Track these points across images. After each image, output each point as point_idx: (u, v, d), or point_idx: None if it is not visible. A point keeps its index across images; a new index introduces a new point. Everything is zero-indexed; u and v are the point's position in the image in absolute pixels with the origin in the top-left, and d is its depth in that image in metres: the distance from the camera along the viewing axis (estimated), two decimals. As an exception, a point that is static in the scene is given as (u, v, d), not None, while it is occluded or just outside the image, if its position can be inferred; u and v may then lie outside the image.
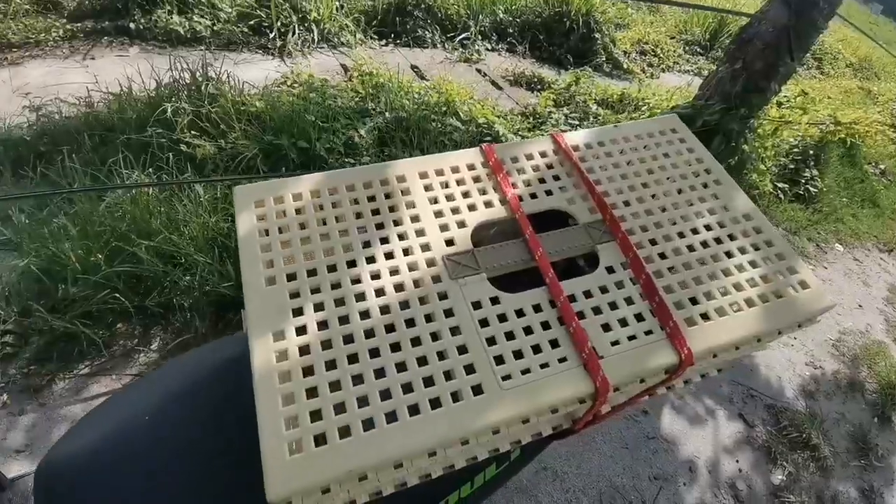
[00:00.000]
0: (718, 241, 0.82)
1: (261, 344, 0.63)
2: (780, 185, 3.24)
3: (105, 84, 2.39)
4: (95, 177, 1.98)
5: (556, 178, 0.85)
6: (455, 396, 0.63)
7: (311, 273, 0.70)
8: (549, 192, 0.83)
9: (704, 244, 0.81)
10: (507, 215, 0.79)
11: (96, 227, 1.80)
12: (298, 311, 0.67)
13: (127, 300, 1.73)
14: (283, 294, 0.67)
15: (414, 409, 0.61)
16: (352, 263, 0.71)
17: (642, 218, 0.81)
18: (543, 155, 0.88)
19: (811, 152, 3.51)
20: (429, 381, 0.63)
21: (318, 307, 0.67)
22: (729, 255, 0.80)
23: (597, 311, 0.71)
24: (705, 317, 0.73)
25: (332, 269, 0.70)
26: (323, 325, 0.66)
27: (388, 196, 0.79)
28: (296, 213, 0.75)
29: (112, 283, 1.74)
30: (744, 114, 2.55)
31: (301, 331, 0.65)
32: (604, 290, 0.74)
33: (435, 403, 0.62)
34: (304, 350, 0.64)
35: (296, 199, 0.77)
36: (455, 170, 0.84)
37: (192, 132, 2.15)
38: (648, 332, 0.71)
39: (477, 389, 0.64)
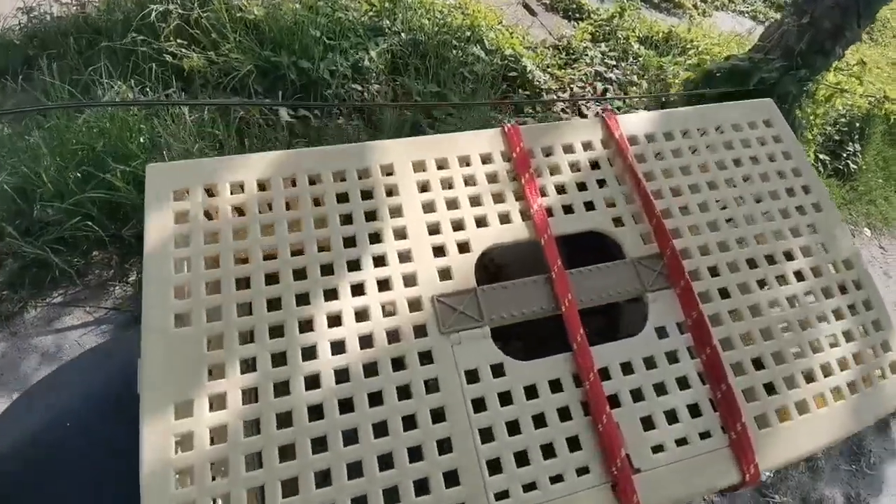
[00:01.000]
0: (810, 296, 0.57)
1: (155, 422, 0.42)
2: (822, 156, 2.86)
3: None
4: (75, 86, 1.68)
5: (602, 183, 0.59)
6: (426, 521, 0.43)
7: (244, 310, 0.47)
8: (589, 206, 0.57)
9: (792, 301, 0.56)
10: (528, 236, 0.54)
11: (71, 145, 1.54)
12: (217, 371, 0.45)
13: (101, 228, 1.52)
14: (197, 342, 0.44)
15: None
16: (303, 299, 0.48)
17: (714, 255, 0.56)
18: (588, 147, 0.60)
19: (857, 125, 3.11)
20: (392, 496, 0.42)
21: (248, 365, 0.45)
22: (821, 319, 0.56)
23: (637, 396, 0.49)
24: (782, 415, 0.51)
25: (274, 305, 0.47)
26: (250, 395, 0.44)
27: (366, 195, 0.53)
28: (232, 215, 0.50)
29: (86, 208, 1.53)
30: (804, 75, 2.17)
31: (218, 403, 0.43)
32: (650, 363, 0.51)
33: (396, 531, 0.42)
34: (218, 434, 0.43)
35: (234, 192, 0.52)
36: (464, 161, 0.57)
37: (179, 40, 1.81)
38: (705, 436, 0.49)
39: (458, 511, 0.43)
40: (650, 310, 0.53)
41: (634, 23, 2.91)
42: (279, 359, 0.46)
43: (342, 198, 0.53)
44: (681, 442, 0.48)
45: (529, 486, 0.44)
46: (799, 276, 0.58)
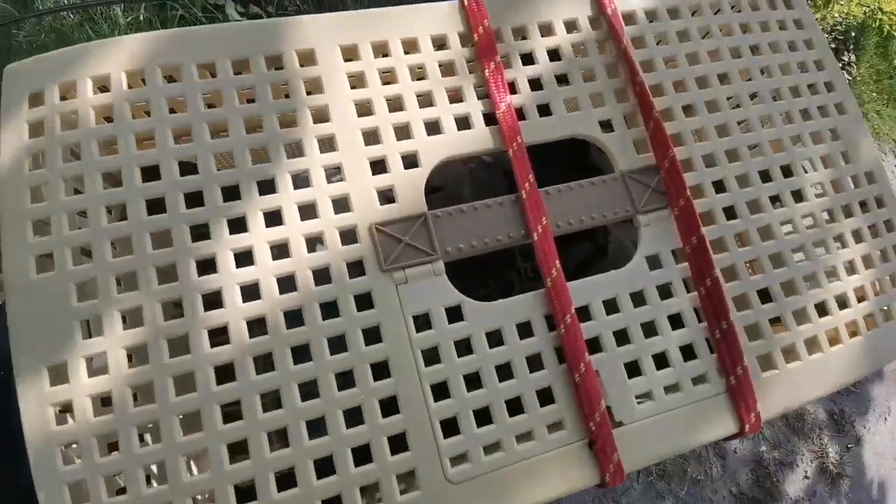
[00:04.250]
0: (829, 216, 0.55)
1: (29, 389, 0.37)
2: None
3: None
4: (14, 4, 1.47)
5: (589, 76, 0.53)
6: (369, 495, 0.41)
7: (122, 246, 0.42)
8: (571, 105, 0.52)
9: (811, 221, 0.54)
10: (493, 146, 0.49)
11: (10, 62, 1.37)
12: (94, 325, 0.40)
13: None
14: (65, 288, 0.39)
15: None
16: (200, 231, 0.42)
17: (722, 166, 0.53)
18: (572, 28, 0.54)
19: (853, 34, 3.13)
20: (326, 467, 0.40)
21: (132, 317, 0.40)
22: (839, 242, 0.55)
23: (622, 338, 0.47)
24: (789, 354, 0.51)
25: (161, 239, 0.42)
26: (138, 353, 0.40)
27: (278, 93, 0.47)
28: (97, 119, 0.43)
29: None
30: None
31: (98, 365, 0.39)
32: (638, 299, 0.48)
33: (332, 506, 0.41)
34: (104, 402, 0.40)
35: (100, 90, 0.44)
36: (410, 46, 0.50)
37: None
38: (700, 381, 0.48)
39: (407, 482, 0.42)
40: (641, 235, 0.50)
41: None
42: (172, 308, 0.41)
43: (247, 97, 0.46)
44: (671, 389, 0.47)
45: (492, 448, 0.43)
46: (818, 191, 0.55)
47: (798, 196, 0.53)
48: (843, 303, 0.52)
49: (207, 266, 0.41)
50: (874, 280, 0.53)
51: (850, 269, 0.54)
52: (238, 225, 0.43)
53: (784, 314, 0.50)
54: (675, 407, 0.46)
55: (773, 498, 1.23)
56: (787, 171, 0.54)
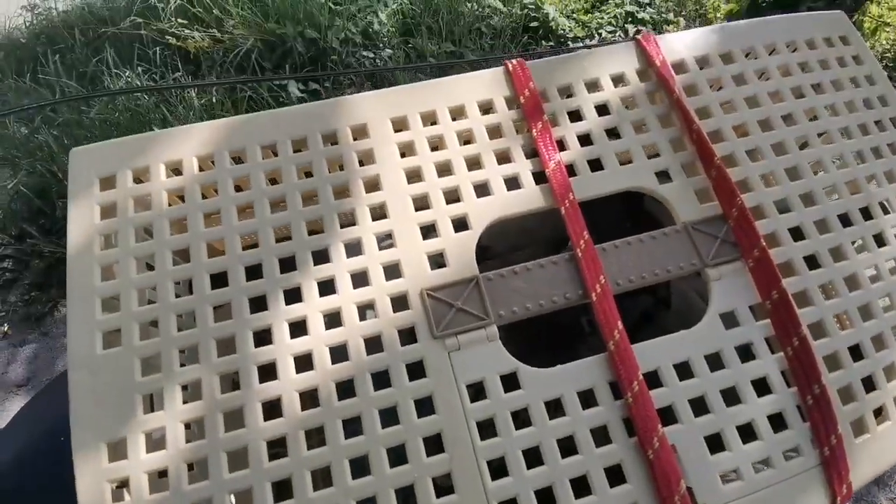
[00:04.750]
0: None
1: (86, 464, 0.32)
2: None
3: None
4: (83, 79, 1.62)
5: (640, 127, 0.43)
6: (422, 586, 0.32)
7: (186, 322, 0.37)
8: (624, 158, 0.42)
9: (893, 265, 0.41)
10: (545, 204, 0.40)
11: (84, 139, 1.49)
12: (155, 401, 0.35)
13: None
14: (129, 365, 0.34)
15: None
16: (259, 303, 0.37)
17: (798, 211, 0.41)
18: (619, 81, 0.45)
19: None
20: (377, 551, 0.32)
21: (191, 392, 0.34)
22: None
23: (700, 407, 0.36)
24: (879, 416, 0.37)
25: (222, 313, 0.37)
26: (195, 428, 0.34)
27: (333, 167, 0.41)
28: (169, 202, 0.39)
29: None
30: (850, 5, 1.86)
31: (156, 441, 0.34)
32: (715, 362, 0.37)
33: None
34: (159, 479, 0.34)
35: (171, 173, 0.40)
36: (457, 113, 0.43)
37: (181, 20, 1.69)
38: (791, 455, 0.35)
39: (464, 572, 0.32)
40: (713, 290, 0.38)
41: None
42: (229, 381, 0.35)
43: (305, 172, 0.41)
44: (759, 465, 0.35)
45: (557, 535, 0.33)
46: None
47: (880, 240, 0.40)
48: None
49: (263, 338, 0.35)
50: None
51: None
52: (293, 295, 0.36)
53: (875, 372, 0.37)
54: (765, 486, 0.34)
55: None
56: (865, 213, 0.41)
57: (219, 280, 0.36)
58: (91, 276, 0.36)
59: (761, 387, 0.36)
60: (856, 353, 0.38)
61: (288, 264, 0.37)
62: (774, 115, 0.43)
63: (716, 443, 0.35)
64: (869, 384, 0.38)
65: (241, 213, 0.39)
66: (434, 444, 0.34)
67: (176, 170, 0.39)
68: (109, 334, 0.35)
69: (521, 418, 0.35)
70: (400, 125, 0.42)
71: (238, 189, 0.40)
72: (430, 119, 0.42)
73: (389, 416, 0.34)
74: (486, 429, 0.34)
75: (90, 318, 0.35)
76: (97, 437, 0.32)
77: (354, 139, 0.41)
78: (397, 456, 0.33)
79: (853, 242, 0.40)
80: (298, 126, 0.41)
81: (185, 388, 0.34)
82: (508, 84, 0.43)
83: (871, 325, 0.38)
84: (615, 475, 0.34)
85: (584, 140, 0.42)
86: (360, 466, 0.33)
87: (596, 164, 0.41)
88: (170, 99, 1.56)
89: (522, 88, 0.42)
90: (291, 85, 1.67)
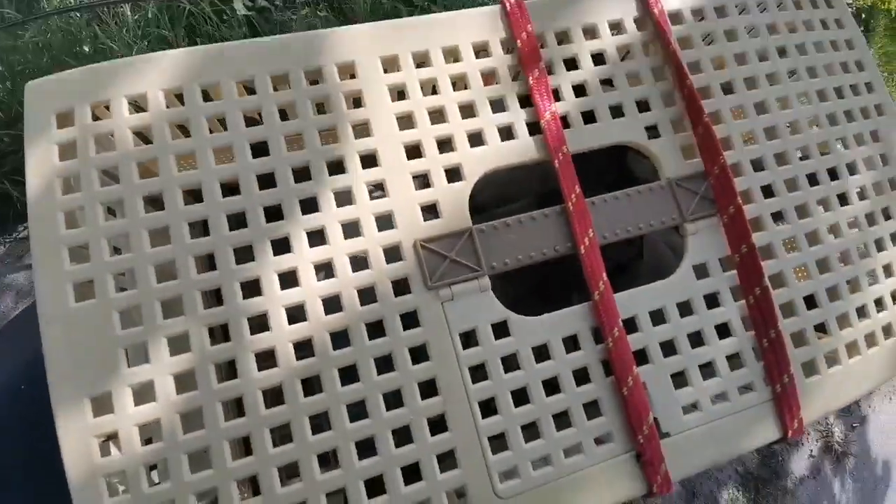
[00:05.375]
0: (871, 220, 0.45)
1: (69, 421, 0.31)
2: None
3: None
4: (19, 1, 1.37)
5: (634, 79, 0.43)
6: (419, 514, 0.34)
7: (166, 273, 0.34)
8: (617, 111, 0.42)
9: (853, 224, 0.44)
10: (538, 156, 0.40)
11: (17, 66, 1.29)
12: (139, 354, 0.33)
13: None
14: (108, 318, 0.32)
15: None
16: (245, 254, 0.35)
17: (771, 170, 0.43)
18: (617, 29, 0.43)
19: (863, 16, 2.78)
20: (377, 486, 0.34)
21: (178, 344, 0.33)
22: (880, 245, 0.44)
23: (669, 349, 0.39)
24: (831, 360, 0.42)
25: (205, 264, 0.35)
26: (186, 380, 0.33)
27: (319, 108, 0.38)
28: (136, 141, 0.35)
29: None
30: None
31: (144, 393, 0.33)
32: (686, 309, 0.40)
33: (383, 528, 0.34)
34: (151, 431, 0.33)
35: (137, 109, 0.36)
36: (451, 55, 0.40)
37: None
38: (746, 390, 0.40)
39: (458, 497, 0.35)
40: (688, 243, 0.40)
41: None
42: (218, 333, 0.34)
43: (287, 113, 0.37)
44: (717, 399, 0.39)
45: (541, 463, 0.36)
46: (861, 194, 0.45)
47: (843, 199, 0.43)
48: (880, 305, 0.42)
49: (251, 290, 0.34)
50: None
51: (888, 271, 0.44)
52: (282, 246, 0.35)
53: (828, 320, 0.41)
54: (722, 417, 0.38)
55: (779, 476, 1.11)
56: (832, 174, 0.43)
57: (197, 230, 0.34)
58: (55, 224, 0.32)
59: (723, 331, 0.39)
60: (812, 303, 0.42)
61: (273, 215, 0.35)
62: (760, 74, 0.43)
63: (680, 380, 0.38)
64: (822, 331, 0.42)
65: (217, 156, 0.35)
66: (429, 389, 0.35)
67: (139, 106, 0.35)
68: (82, 286, 0.32)
69: (510, 363, 0.36)
70: (390, 65, 0.39)
71: (211, 130, 0.36)
72: (422, 60, 0.39)
73: (384, 366, 0.35)
74: (478, 373, 0.36)
75: (58, 269, 0.32)
76: (79, 392, 0.31)
77: (342, 78, 0.38)
78: (394, 400, 0.34)
79: (818, 201, 0.43)
80: (279, 60, 0.37)
81: (170, 342, 0.33)
82: (505, 26, 0.41)
83: (826, 278, 0.42)
84: (593, 410, 0.37)
85: (579, 90, 0.41)
86: (357, 413, 0.34)
87: (588, 117, 0.40)
88: (101, 15, 1.36)
89: (520, 31, 0.40)
90: (237, 1, 1.49)
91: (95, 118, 0.34)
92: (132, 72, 0.35)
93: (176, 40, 1.34)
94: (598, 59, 0.42)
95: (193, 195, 0.35)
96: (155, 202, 0.35)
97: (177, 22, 1.41)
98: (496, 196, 0.53)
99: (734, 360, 0.39)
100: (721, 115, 0.42)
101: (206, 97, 0.36)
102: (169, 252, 0.33)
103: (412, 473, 0.34)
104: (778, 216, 0.42)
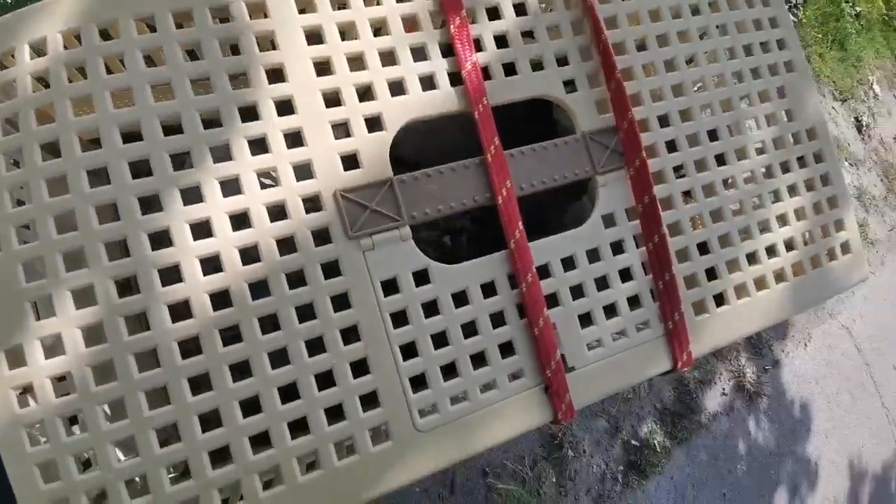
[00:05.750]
0: (768, 172, 0.49)
1: (-27, 374, 0.30)
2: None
3: None
4: None
5: (554, 31, 0.43)
6: (345, 449, 0.37)
7: (67, 224, 0.32)
8: (537, 65, 0.42)
9: (749, 178, 0.48)
10: (458, 108, 0.40)
11: None
12: (47, 308, 0.32)
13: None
14: (13, 269, 0.31)
15: (275, 479, 0.35)
16: (150, 203, 0.33)
17: (676, 126, 0.45)
18: (539, -21, 0.43)
19: None
20: (300, 426, 0.35)
21: (84, 297, 0.32)
22: (775, 197, 0.49)
23: (577, 293, 0.42)
24: (720, 300, 0.47)
25: (110, 214, 0.33)
26: (95, 333, 0.32)
27: (230, 50, 0.36)
28: (34, 86, 0.32)
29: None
30: None
31: (56, 346, 0.31)
32: (594, 256, 0.43)
33: (310, 464, 0.36)
34: (66, 383, 0.32)
35: (35, 55, 0.32)
36: (369, 1, 0.39)
37: None
38: (642, 327, 0.44)
39: (380, 434, 0.37)
40: (599, 195, 0.43)
41: None
42: (127, 286, 0.33)
43: (191, 54, 0.35)
44: (618, 336, 0.43)
45: (458, 399, 0.39)
46: (759, 149, 0.49)
47: (741, 153, 0.47)
48: (772, 252, 0.48)
49: (160, 241, 0.33)
50: (805, 231, 0.49)
51: (783, 221, 0.49)
52: (193, 195, 0.33)
53: (718, 264, 0.46)
54: (621, 351, 0.42)
55: (693, 412, 1.21)
56: (732, 131, 0.47)
57: (99, 179, 0.32)
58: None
59: (625, 275, 0.43)
60: (706, 249, 0.46)
61: (182, 162, 0.34)
62: (671, 31, 0.45)
63: (586, 320, 0.42)
64: (712, 274, 0.46)
65: (117, 101, 0.33)
66: (350, 336, 0.36)
67: (41, 49, 0.32)
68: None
69: (430, 308, 0.38)
70: (306, 5, 0.37)
71: (109, 72, 0.33)
72: (340, 1, 0.38)
73: (306, 315, 0.35)
74: (399, 319, 0.37)
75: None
76: (-16, 345, 0.30)
77: (253, 17, 0.36)
78: (316, 347, 0.35)
79: (716, 156, 0.46)
80: (179, -5, 0.34)
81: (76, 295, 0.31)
82: (426, -32, 0.39)
83: (718, 227, 0.46)
84: (507, 349, 0.39)
85: (500, 41, 0.41)
86: (280, 360, 0.34)
87: (509, 69, 0.41)
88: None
89: (441, -25, 0.39)
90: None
91: (1, 67, 0.31)
92: (34, 17, 0.32)
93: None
94: (521, 9, 0.42)
95: (95, 143, 0.33)
96: (54, 151, 0.32)
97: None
98: (419, 148, 0.53)
99: (633, 301, 0.43)
100: (633, 71, 0.44)
101: (107, 36, 0.33)
102: (68, 202, 0.31)
103: (336, 415, 0.35)
104: (679, 169, 0.45)
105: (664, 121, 0.45)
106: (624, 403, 1.19)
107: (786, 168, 0.49)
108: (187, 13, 0.35)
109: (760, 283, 0.47)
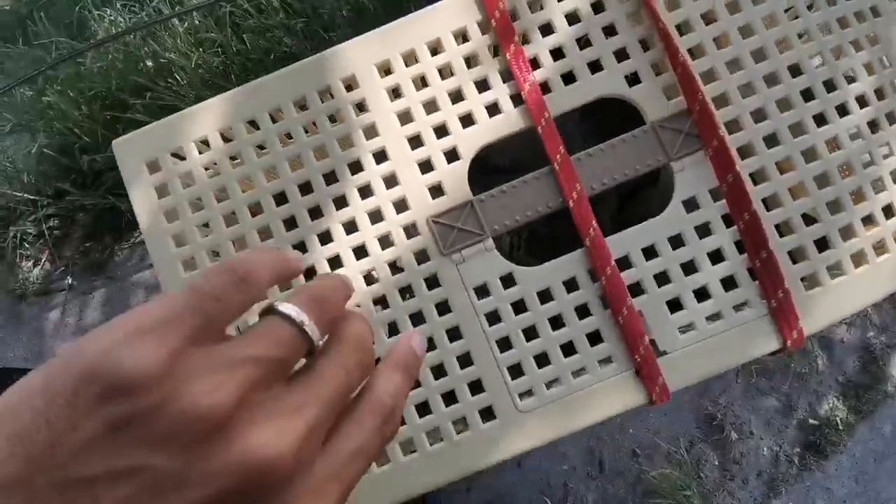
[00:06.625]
0: (874, 126, 0.43)
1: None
2: None
3: None
4: (70, 28, 1.57)
5: (610, 31, 0.44)
6: (458, 426, 0.45)
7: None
8: (596, 66, 0.44)
9: (855, 136, 0.43)
10: (524, 125, 0.44)
11: (88, 92, 1.49)
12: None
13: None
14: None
15: (404, 448, 0.45)
16: (300, 248, 0.45)
17: (761, 93, 0.43)
18: (589, -17, 0.44)
19: None
20: (423, 408, 0.44)
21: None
22: (885, 152, 0.43)
23: (663, 279, 0.43)
24: (835, 271, 0.43)
25: (274, 259, 0.45)
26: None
27: (333, 119, 0.45)
28: (207, 175, 0.46)
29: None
30: None
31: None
32: (677, 242, 0.43)
33: (433, 436, 0.44)
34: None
35: (202, 150, 0.46)
36: (434, 48, 0.45)
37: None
38: (741, 307, 0.43)
39: (487, 414, 0.44)
40: (676, 181, 0.43)
41: None
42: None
43: (308, 130, 0.46)
44: (713, 318, 0.43)
45: (552, 383, 0.44)
46: (861, 102, 0.43)
47: (842, 110, 0.42)
48: (889, 213, 0.42)
49: (309, 274, 0.44)
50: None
51: None
52: (325, 237, 0.44)
53: (830, 233, 0.42)
54: (717, 333, 0.43)
55: (880, 381, 1.06)
56: (829, 87, 0.42)
57: (266, 234, 0.45)
58: (168, 246, 0.45)
59: (717, 257, 0.43)
60: (812, 219, 0.43)
61: (316, 213, 0.44)
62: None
63: (676, 305, 0.43)
64: (823, 245, 0.43)
65: (267, 175, 0.45)
66: (455, 335, 0.44)
67: (205, 145, 0.45)
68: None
69: (519, 307, 0.44)
70: (384, 70, 0.45)
71: (259, 152, 0.45)
72: (410, 58, 0.45)
73: (417, 319, 0.44)
74: (493, 318, 0.44)
75: (176, 277, 0.45)
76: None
77: (347, 91, 0.45)
78: (429, 346, 0.44)
79: (814, 117, 0.42)
80: (294, 88, 0.45)
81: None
82: (480, 7, 0.44)
83: (827, 192, 0.43)
84: (594, 338, 0.43)
85: (556, 54, 0.44)
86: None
87: (568, 78, 0.44)
88: (155, 31, 1.51)
89: (493, 10, 0.43)
90: (272, -5, 1.56)
91: (178, 160, 0.45)
92: (191, 120, 0.45)
93: (226, 40, 1.45)
94: (573, 18, 0.44)
95: (255, 208, 0.45)
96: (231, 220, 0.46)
97: (222, 22, 1.52)
98: (513, 156, 0.57)
99: (729, 282, 0.43)
100: (703, 47, 0.42)
101: (253, 126, 0.46)
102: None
103: (450, 398, 0.43)
104: (773, 140, 0.43)
105: (747, 91, 0.43)
106: (798, 379, 1.08)
107: (892, 118, 0.42)
108: (301, 99, 0.45)
109: (880, 248, 0.42)
